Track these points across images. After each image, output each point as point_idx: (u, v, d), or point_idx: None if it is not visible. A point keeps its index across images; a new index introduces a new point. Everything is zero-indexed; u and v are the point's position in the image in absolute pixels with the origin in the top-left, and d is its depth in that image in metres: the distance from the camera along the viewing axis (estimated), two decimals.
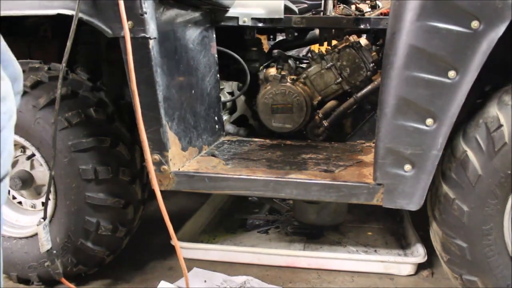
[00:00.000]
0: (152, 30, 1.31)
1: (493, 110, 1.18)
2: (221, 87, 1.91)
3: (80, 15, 1.30)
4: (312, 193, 1.38)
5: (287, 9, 1.86)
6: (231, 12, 1.77)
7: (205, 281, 1.58)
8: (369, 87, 1.83)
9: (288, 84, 1.84)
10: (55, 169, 1.40)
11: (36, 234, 1.44)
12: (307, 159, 1.61)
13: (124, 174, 1.50)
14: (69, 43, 1.27)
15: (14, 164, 1.58)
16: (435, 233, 1.34)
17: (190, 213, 1.98)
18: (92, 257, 1.53)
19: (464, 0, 1.08)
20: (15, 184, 1.51)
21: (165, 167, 1.43)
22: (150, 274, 1.66)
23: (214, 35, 1.78)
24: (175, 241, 1.34)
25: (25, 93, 1.40)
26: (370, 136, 1.91)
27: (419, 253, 1.66)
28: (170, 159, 1.43)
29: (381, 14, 1.91)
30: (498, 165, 1.17)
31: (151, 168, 1.31)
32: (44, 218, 1.37)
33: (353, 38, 1.84)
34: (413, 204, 1.29)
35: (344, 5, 1.95)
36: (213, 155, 1.63)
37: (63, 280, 1.44)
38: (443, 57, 1.13)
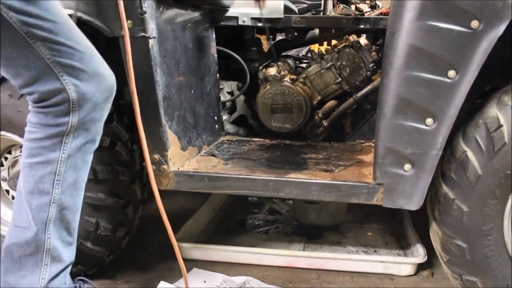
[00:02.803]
0: (151, 29, 1.31)
1: (493, 110, 1.18)
2: (220, 86, 1.91)
3: (80, 14, 1.30)
4: (312, 192, 1.38)
5: (286, 9, 1.85)
6: (230, 12, 1.77)
7: (204, 281, 1.58)
8: (369, 87, 1.83)
9: (287, 84, 1.84)
10: None
11: None
12: (306, 159, 1.61)
13: (123, 174, 1.50)
14: None
15: (14, 164, 1.58)
16: (435, 233, 1.34)
17: (190, 213, 1.98)
18: (92, 257, 1.53)
19: (464, 0, 1.08)
20: (15, 184, 1.51)
21: (165, 166, 1.43)
22: (150, 274, 1.66)
23: (214, 35, 1.78)
24: (173, 241, 1.34)
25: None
26: (369, 136, 1.90)
27: (419, 253, 1.65)
28: (170, 159, 1.43)
29: (380, 14, 1.91)
30: (498, 165, 1.16)
31: (150, 169, 1.30)
32: None
33: (352, 38, 1.84)
34: (413, 203, 1.29)
35: (344, 5, 1.95)
36: (213, 155, 1.63)
37: None
38: (443, 57, 1.13)
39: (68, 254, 1.17)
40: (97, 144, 1.16)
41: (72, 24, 1.07)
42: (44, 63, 1.00)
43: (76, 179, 1.12)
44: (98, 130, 1.13)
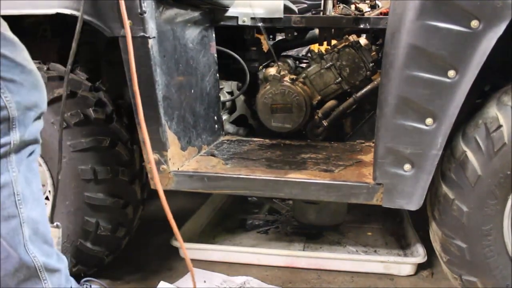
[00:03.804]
0: (151, 29, 1.31)
1: (493, 111, 1.18)
2: (220, 86, 1.91)
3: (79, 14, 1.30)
4: (312, 192, 1.38)
5: (286, 9, 1.85)
6: (230, 12, 1.77)
7: (204, 281, 1.57)
8: (369, 86, 1.83)
9: (287, 83, 1.84)
10: (54, 169, 1.40)
11: None
12: (306, 159, 1.61)
13: (123, 174, 1.50)
14: (74, 44, 1.26)
15: None
16: (435, 233, 1.34)
17: (190, 213, 1.98)
18: (92, 257, 1.53)
19: (463, 0, 1.08)
20: None
21: (164, 166, 1.43)
22: (150, 274, 1.66)
23: (214, 35, 1.78)
24: (179, 239, 1.33)
25: None
26: (369, 135, 1.90)
27: (419, 253, 1.65)
28: (169, 159, 1.43)
29: (380, 13, 1.90)
30: (497, 166, 1.16)
31: (154, 168, 1.30)
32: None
33: (352, 37, 1.84)
34: (412, 203, 1.29)
35: (344, 5, 1.95)
36: (213, 155, 1.63)
37: None
38: (443, 57, 1.13)
39: (59, 261, 1.16)
40: (39, 151, 1.12)
41: (12, 35, 1.03)
42: None
43: (32, 191, 1.09)
44: (37, 137, 1.09)
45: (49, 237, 1.14)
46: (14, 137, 1.02)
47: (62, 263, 1.18)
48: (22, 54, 1.04)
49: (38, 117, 1.08)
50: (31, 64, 1.06)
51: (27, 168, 1.07)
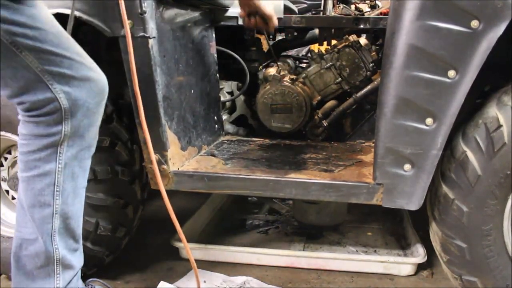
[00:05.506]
0: (151, 29, 1.31)
1: (493, 111, 1.18)
2: (220, 86, 1.91)
3: (80, 14, 1.30)
4: (312, 192, 1.38)
5: (286, 9, 1.86)
6: (230, 12, 1.77)
7: (204, 281, 1.58)
8: (369, 87, 1.83)
9: (287, 84, 1.84)
10: None
11: None
12: (306, 159, 1.61)
13: (123, 174, 1.50)
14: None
15: (13, 164, 1.58)
16: (435, 233, 1.34)
17: (190, 213, 1.98)
18: (91, 257, 1.53)
19: (463, 0, 1.08)
20: (15, 185, 1.51)
21: (164, 166, 1.43)
22: (150, 274, 1.66)
23: (214, 35, 1.78)
24: (183, 239, 1.34)
25: None
26: (369, 136, 1.90)
27: (419, 253, 1.65)
28: (170, 159, 1.43)
29: (380, 13, 1.91)
30: (497, 166, 1.16)
31: (156, 169, 1.30)
32: None
33: (352, 38, 1.84)
34: (412, 203, 1.29)
35: (344, 5, 1.95)
36: (213, 155, 1.63)
37: None
38: (443, 57, 1.13)
39: (77, 260, 1.18)
40: (93, 150, 1.14)
41: (59, 30, 1.04)
42: (32, 73, 0.98)
43: (75, 186, 1.11)
44: (93, 135, 1.11)
45: (78, 233, 1.16)
46: (66, 128, 1.03)
47: (80, 262, 1.19)
48: (72, 48, 1.04)
49: (92, 112, 1.08)
50: (82, 57, 1.05)
51: (77, 164, 1.09)
